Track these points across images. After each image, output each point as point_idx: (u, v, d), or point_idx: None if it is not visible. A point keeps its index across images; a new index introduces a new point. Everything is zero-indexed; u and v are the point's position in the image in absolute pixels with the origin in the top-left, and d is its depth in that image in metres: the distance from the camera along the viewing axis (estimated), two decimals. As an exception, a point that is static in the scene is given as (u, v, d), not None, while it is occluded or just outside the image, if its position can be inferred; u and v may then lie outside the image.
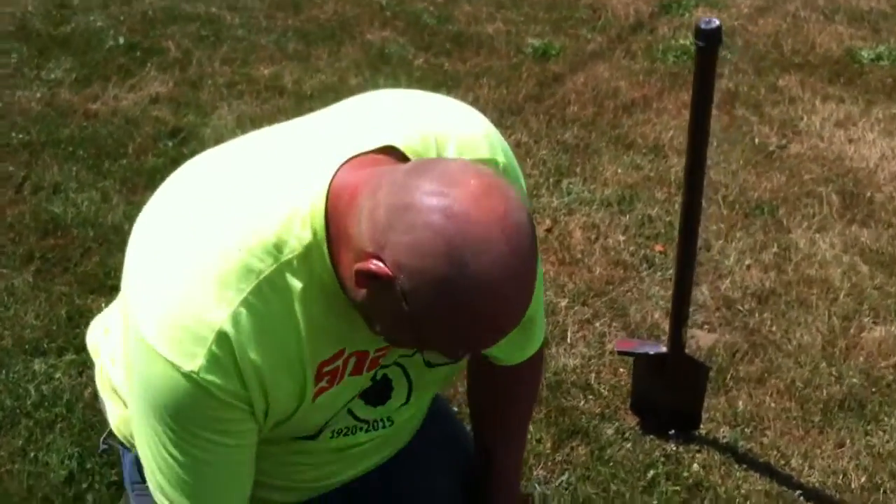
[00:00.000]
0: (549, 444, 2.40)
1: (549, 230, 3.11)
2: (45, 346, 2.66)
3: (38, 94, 3.83)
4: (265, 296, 1.15)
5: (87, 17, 4.41)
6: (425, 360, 1.37)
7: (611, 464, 2.37)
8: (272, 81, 3.95)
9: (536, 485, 2.31)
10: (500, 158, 1.31)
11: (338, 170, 1.16)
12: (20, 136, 3.58)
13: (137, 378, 1.22)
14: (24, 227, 3.11)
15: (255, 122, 3.52)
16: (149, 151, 3.48)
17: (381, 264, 1.08)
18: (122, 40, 4.20)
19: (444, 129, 1.26)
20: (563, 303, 2.83)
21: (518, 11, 4.54)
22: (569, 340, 2.72)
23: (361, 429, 1.43)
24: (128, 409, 1.35)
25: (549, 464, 2.37)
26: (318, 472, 1.49)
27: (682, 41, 4.22)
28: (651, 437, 2.42)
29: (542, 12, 4.53)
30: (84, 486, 2.30)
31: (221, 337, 1.15)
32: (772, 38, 4.31)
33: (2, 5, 4.51)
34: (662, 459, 2.37)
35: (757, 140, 3.59)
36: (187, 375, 1.16)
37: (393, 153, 1.21)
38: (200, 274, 1.16)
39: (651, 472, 2.34)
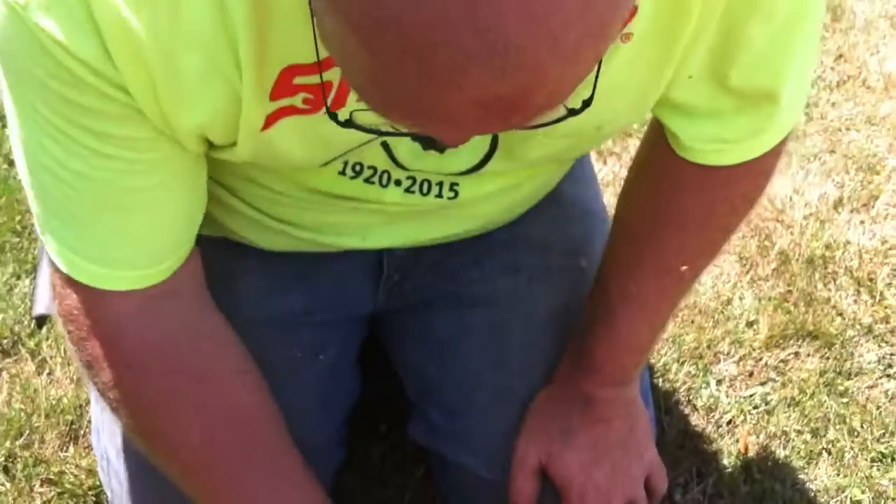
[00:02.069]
0: (761, 332, 1.55)
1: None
2: None
3: None
4: None
5: None
6: None
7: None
8: None
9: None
10: None
11: None
12: None
13: None
14: None
15: None
16: None
17: None
18: None
19: None
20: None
21: None
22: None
23: (398, 182, 0.91)
24: None
25: (740, 380, 1.52)
26: (306, 217, 0.97)
27: None
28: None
29: None
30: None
31: None
32: None
33: None
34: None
35: None
36: (12, 9, 0.69)
37: None
38: None
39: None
